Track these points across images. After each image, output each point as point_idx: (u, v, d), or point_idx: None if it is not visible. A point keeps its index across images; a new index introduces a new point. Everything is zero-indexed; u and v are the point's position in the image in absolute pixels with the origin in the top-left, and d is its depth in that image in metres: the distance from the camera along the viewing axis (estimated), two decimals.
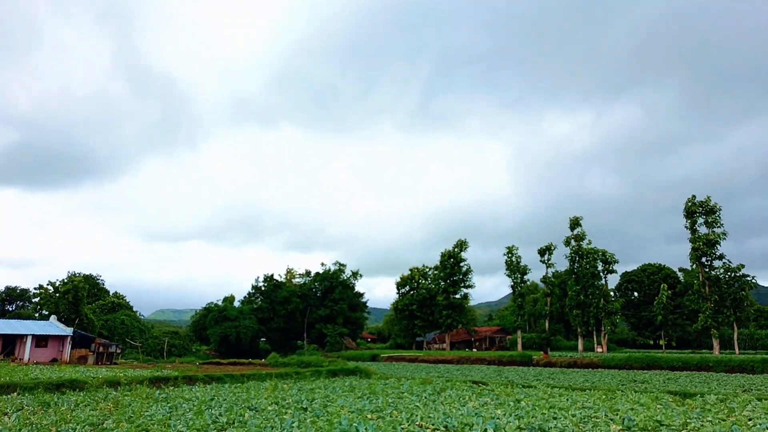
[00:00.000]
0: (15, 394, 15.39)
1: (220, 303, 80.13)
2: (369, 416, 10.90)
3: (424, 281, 78.24)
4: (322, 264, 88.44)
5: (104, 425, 9.72)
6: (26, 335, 44.37)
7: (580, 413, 10.94)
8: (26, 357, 43.09)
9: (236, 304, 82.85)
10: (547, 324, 68.00)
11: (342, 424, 9.43)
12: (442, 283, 72.99)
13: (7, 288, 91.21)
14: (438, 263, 74.91)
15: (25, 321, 53.99)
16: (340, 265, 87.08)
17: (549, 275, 66.59)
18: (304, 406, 12.75)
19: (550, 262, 65.56)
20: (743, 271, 48.00)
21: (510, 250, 67.40)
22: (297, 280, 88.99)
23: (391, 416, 10.76)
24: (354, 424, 9.55)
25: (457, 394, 15.63)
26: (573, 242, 62.38)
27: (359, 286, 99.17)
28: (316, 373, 24.43)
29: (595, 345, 59.58)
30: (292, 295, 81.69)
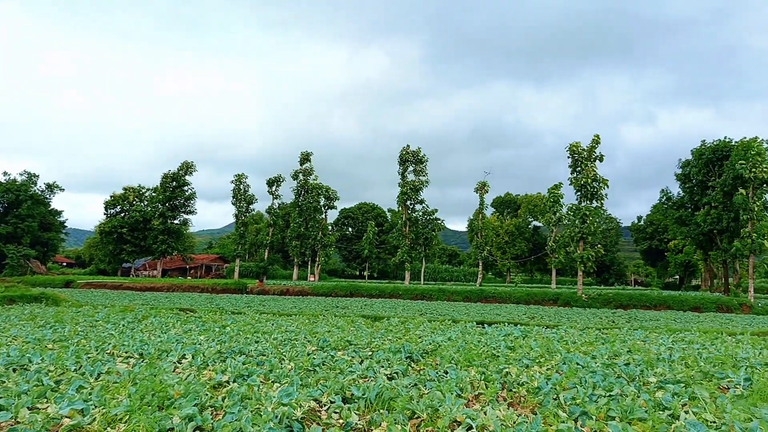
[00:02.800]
0: None
1: None
2: (50, 346, 9.56)
3: (139, 203, 72.24)
4: (5, 173, 72.99)
5: None
6: None
7: (282, 336, 11.41)
8: None
9: None
10: (266, 253, 69.89)
11: (10, 356, 8.04)
12: (161, 207, 68.52)
13: None
14: (158, 185, 69.87)
15: None
16: (31, 175, 73.56)
17: (275, 206, 68.10)
18: None
19: (277, 193, 66.90)
20: (436, 215, 56.43)
21: (239, 178, 66.44)
22: None
23: (77, 345, 9.61)
24: (27, 354, 8.23)
25: (160, 321, 14.88)
26: (301, 176, 64.62)
27: (58, 202, 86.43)
28: None
29: (309, 274, 63.79)
30: None
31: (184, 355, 8.74)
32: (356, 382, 6.78)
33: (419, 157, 55.87)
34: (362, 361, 8.57)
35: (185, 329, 12.90)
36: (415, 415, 5.54)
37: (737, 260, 43.32)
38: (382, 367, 7.98)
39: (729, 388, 6.93)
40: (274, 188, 66.10)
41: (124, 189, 72.96)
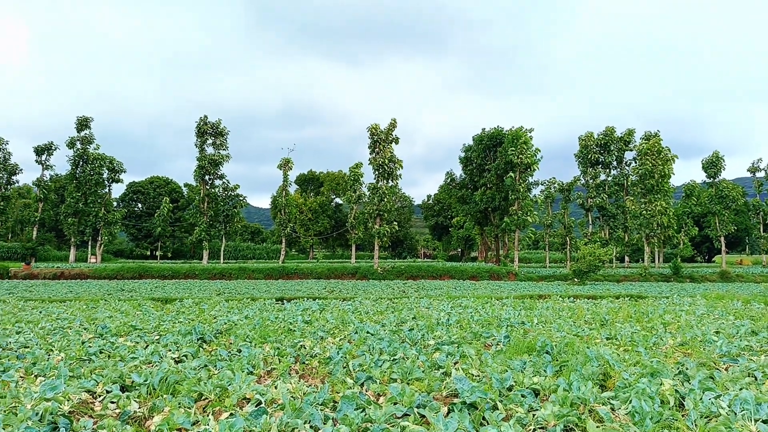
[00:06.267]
0: None
1: None
2: None
3: None
4: None
5: None
6: None
7: (52, 325, 10.08)
8: None
9: None
10: (35, 232, 60.93)
11: None
12: None
13: None
14: None
15: None
16: None
17: (46, 178, 59.45)
18: None
19: (49, 163, 58.34)
20: (238, 191, 54.66)
21: None
22: None
23: None
24: None
25: None
26: (78, 144, 57.18)
27: None
28: None
29: (89, 256, 57.32)
30: None
31: None
32: (138, 369, 6.28)
33: (219, 129, 53.41)
34: (147, 346, 7.96)
35: None
36: (203, 397, 5.32)
37: (506, 234, 49.91)
38: (170, 350, 7.52)
39: (492, 345, 7.94)
40: (44, 157, 57.44)
41: None
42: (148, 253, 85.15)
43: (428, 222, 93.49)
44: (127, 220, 79.18)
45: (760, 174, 60.48)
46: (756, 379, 5.61)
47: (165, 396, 5.28)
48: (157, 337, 8.77)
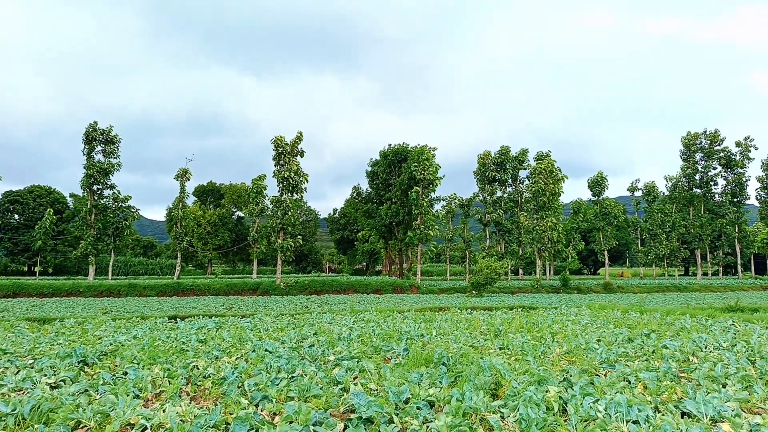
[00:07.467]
0: None
1: None
2: None
3: None
4: None
5: None
6: None
7: None
8: None
9: None
10: None
11: None
12: None
13: None
14: None
15: None
16: None
17: None
18: None
19: None
20: (130, 202, 51.43)
21: None
22: None
23: None
24: None
25: None
26: None
27: None
28: None
29: None
30: None
31: None
32: (6, 397, 5.69)
33: (110, 137, 50.16)
34: (18, 371, 7.23)
35: None
36: (81, 425, 4.90)
37: (410, 248, 50.92)
38: (45, 375, 6.87)
39: (392, 359, 8.00)
40: None
41: None
42: (26, 269, 78.02)
43: (334, 236, 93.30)
44: (1, 232, 72.17)
45: (638, 193, 66.40)
46: (630, 383, 6.07)
47: (36, 426, 4.81)
48: (31, 361, 8.00)
